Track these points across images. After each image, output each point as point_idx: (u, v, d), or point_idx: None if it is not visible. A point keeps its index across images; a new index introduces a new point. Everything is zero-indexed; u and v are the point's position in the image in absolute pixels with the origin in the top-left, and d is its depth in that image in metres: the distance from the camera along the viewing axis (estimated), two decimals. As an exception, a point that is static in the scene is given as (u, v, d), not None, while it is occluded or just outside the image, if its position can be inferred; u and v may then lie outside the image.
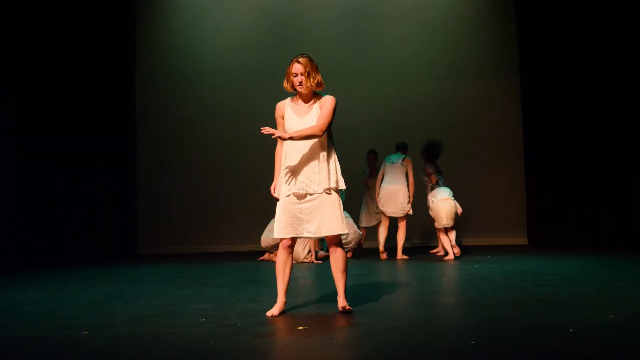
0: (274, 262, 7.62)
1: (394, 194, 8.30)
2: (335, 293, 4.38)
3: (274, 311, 4.24)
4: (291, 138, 4.13)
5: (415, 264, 7.69)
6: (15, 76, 9.00)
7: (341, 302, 4.27)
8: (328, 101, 4.24)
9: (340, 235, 4.27)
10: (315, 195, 4.20)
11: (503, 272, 6.40)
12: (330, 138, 4.30)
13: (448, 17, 10.83)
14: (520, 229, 10.42)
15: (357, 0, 10.91)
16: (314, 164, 4.21)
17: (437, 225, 8.26)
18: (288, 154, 4.26)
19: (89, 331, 3.83)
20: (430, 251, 9.17)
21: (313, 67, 4.21)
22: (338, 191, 4.29)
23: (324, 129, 4.17)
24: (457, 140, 10.54)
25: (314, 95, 4.29)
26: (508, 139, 10.64)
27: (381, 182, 8.45)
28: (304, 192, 4.20)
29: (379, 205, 8.48)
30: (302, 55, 4.25)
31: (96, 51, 9.83)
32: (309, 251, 8.23)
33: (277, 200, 4.32)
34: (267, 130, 4.11)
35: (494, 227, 10.41)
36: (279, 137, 4.16)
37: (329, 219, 4.20)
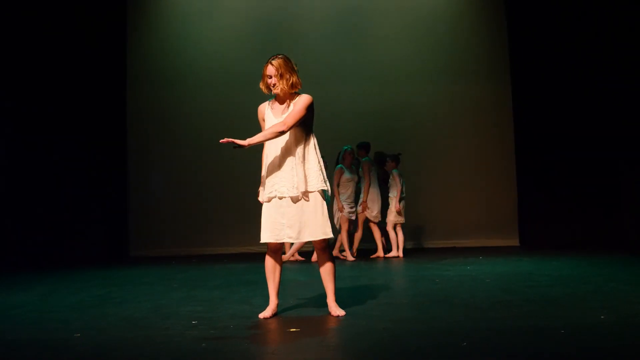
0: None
1: None
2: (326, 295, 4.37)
3: (266, 313, 4.24)
4: (251, 144, 4.02)
5: (406, 266, 7.70)
6: (7, 77, 8.96)
7: (333, 310, 4.25)
8: (301, 99, 4.17)
9: (327, 239, 4.24)
10: (295, 199, 4.15)
11: (495, 274, 6.42)
12: (310, 139, 4.23)
13: (439, 17, 10.83)
14: (512, 230, 10.45)
15: (347, 1, 10.92)
16: (291, 166, 4.14)
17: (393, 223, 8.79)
18: (267, 157, 4.23)
19: (80, 334, 3.82)
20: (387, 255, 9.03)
21: (287, 68, 4.15)
22: (322, 193, 4.22)
23: (290, 124, 4.07)
24: (448, 141, 10.57)
25: (291, 96, 4.24)
26: (499, 139, 10.66)
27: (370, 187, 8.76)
28: (282, 195, 4.15)
29: (375, 210, 8.68)
30: (276, 56, 4.19)
31: (87, 51, 9.80)
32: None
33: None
34: (225, 140, 3.98)
35: (486, 229, 10.43)
36: (239, 147, 4.00)
37: (310, 224, 4.15)
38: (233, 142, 3.97)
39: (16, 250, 8.75)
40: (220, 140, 4.01)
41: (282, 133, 4.08)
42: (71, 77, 9.64)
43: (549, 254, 8.43)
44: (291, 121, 4.08)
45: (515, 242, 10.38)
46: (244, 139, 4.06)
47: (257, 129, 4.27)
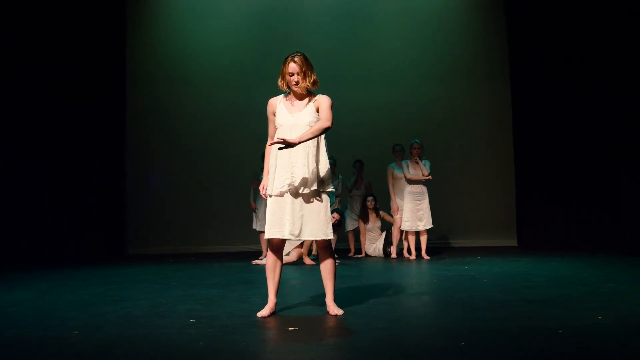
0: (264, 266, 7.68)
1: None
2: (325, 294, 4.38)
3: (264, 312, 4.24)
4: (301, 142, 4.03)
5: (405, 266, 7.70)
6: (6, 76, 8.95)
7: (331, 309, 4.26)
8: (325, 99, 4.22)
9: (330, 240, 4.25)
10: (306, 197, 4.16)
11: (492, 274, 6.43)
12: (322, 139, 4.26)
13: (438, 17, 10.86)
14: (510, 231, 10.47)
15: (347, 1, 10.92)
16: (303, 164, 4.15)
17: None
18: (279, 153, 4.21)
19: (78, 332, 3.81)
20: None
21: (309, 66, 4.18)
22: (328, 193, 4.24)
23: (331, 119, 4.16)
24: (447, 142, 10.59)
25: (308, 94, 4.27)
26: (498, 140, 10.68)
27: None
28: (291, 192, 4.16)
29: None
30: (297, 53, 4.20)
31: (87, 51, 9.79)
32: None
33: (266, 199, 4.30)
34: (274, 142, 3.98)
35: (484, 229, 10.45)
36: (289, 146, 3.99)
37: (313, 223, 4.16)
38: (284, 142, 3.97)
39: (14, 248, 8.75)
40: (269, 143, 4.06)
41: (328, 129, 4.16)
42: (70, 75, 9.62)
43: (547, 254, 8.44)
44: (331, 117, 4.18)
45: (513, 242, 10.40)
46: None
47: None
